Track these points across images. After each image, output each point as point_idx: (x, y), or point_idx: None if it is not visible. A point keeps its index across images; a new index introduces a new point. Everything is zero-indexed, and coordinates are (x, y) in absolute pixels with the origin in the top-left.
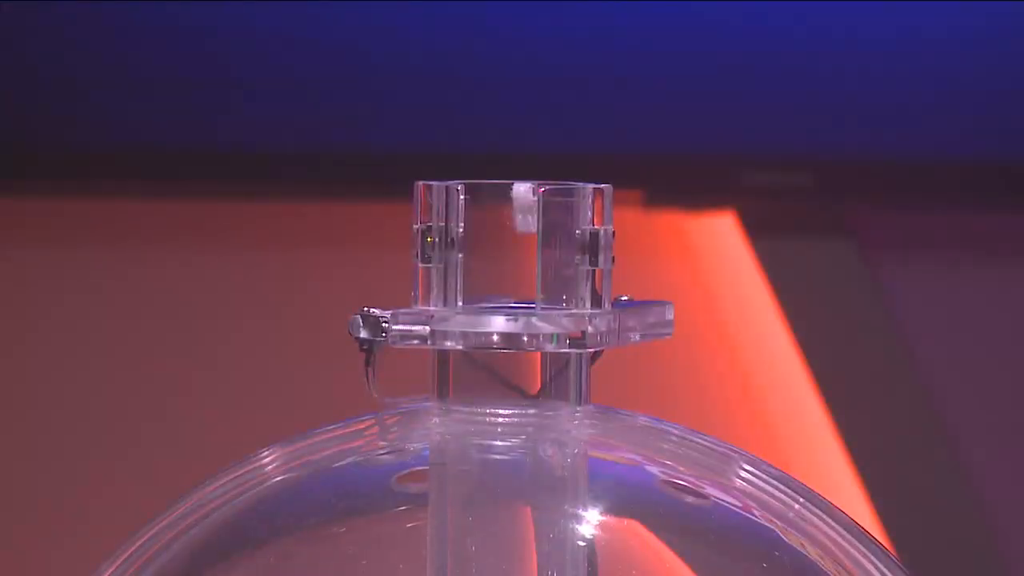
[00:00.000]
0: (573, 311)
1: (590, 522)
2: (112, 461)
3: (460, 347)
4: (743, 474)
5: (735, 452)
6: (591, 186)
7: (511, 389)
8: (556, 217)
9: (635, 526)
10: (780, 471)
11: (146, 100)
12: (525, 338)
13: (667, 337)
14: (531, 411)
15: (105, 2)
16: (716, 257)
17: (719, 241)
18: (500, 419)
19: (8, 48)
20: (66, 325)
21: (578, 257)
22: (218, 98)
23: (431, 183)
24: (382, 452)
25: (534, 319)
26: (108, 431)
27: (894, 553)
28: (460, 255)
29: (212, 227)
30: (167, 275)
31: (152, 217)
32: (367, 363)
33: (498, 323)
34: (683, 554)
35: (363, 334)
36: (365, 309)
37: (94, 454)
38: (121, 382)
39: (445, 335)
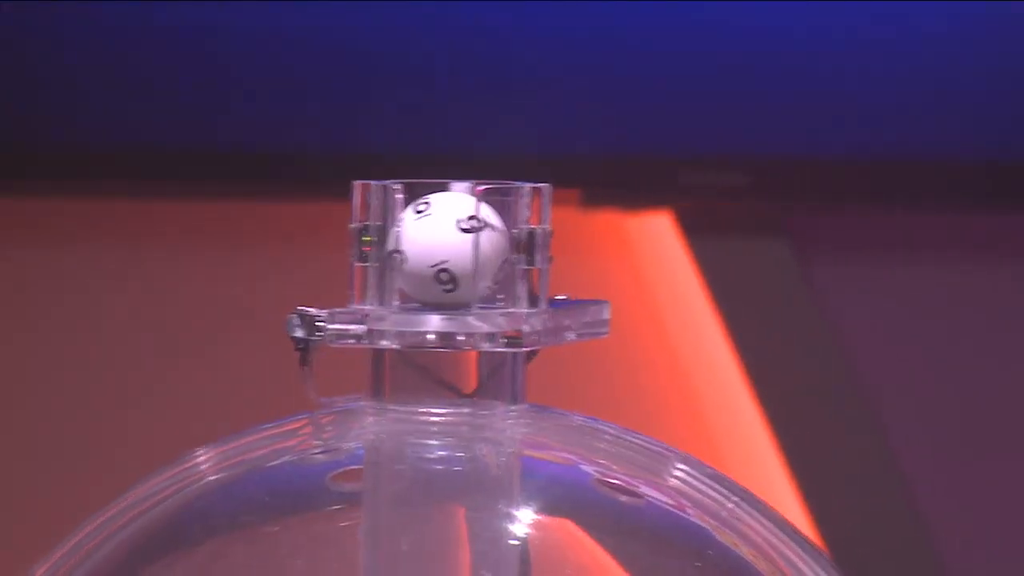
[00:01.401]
0: (509, 310)
1: (523, 521)
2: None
3: (396, 346)
4: (677, 473)
5: (669, 451)
6: (529, 185)
7: (446, 388)
8: None
9: (568, 525)
10: (714, 470)
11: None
12: (461, 337)
13: (603, 336)
14: (466, 410)
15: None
16: (653, 256)
17: (656, 240)
18: (435, 418)
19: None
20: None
21: (515, 256)
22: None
23: (369, 182)
24: (317, 451)
25: (470, 318)
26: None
27: (827, 552)
28: (397, 254)
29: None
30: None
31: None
32: (303, 362)
33: (434, 322)
34: (616, 553)
35: (299, 333)
36: (301, 308)
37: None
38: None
39: (381, 334)
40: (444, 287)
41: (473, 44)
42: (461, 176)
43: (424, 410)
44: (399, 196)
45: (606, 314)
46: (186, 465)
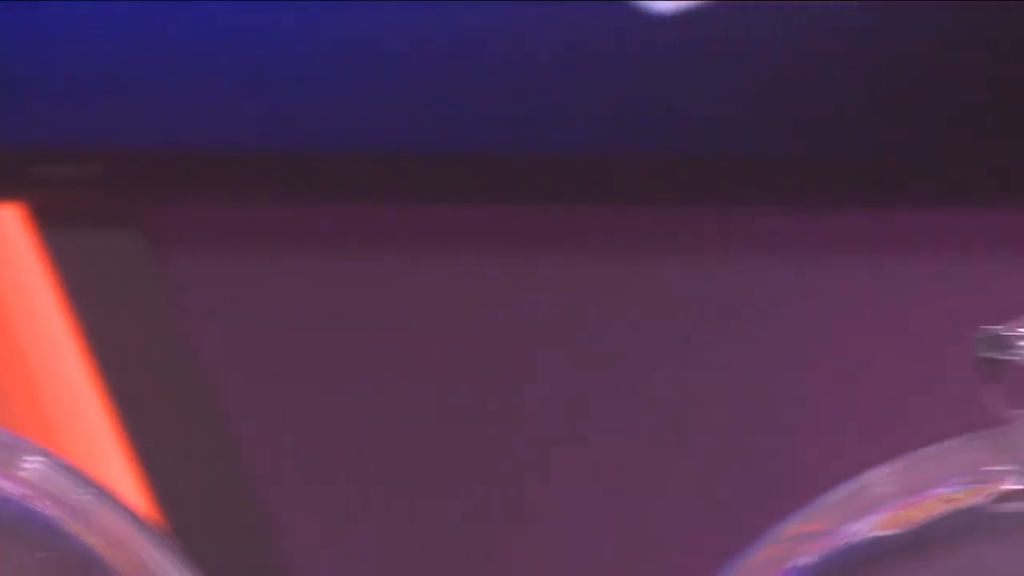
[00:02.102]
0: None
1: None
2: None
3: None
4: (29, 465)
5: (21, 443)
6: None
7: None
8: None
9: None
10: (65, 462)
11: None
12: None
13: None
14: None
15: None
16: (4, 250)
17: (6, 234)
18: None
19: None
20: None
21: None
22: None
23: None
24: None
25: None
26: None
27: (173, 539)
28: None
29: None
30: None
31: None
32: None
33: None
34: None
35: None
36: None
37: None
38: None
39: None
40: None
41: None
42: None
43: None
44: None
45: None
46: None
